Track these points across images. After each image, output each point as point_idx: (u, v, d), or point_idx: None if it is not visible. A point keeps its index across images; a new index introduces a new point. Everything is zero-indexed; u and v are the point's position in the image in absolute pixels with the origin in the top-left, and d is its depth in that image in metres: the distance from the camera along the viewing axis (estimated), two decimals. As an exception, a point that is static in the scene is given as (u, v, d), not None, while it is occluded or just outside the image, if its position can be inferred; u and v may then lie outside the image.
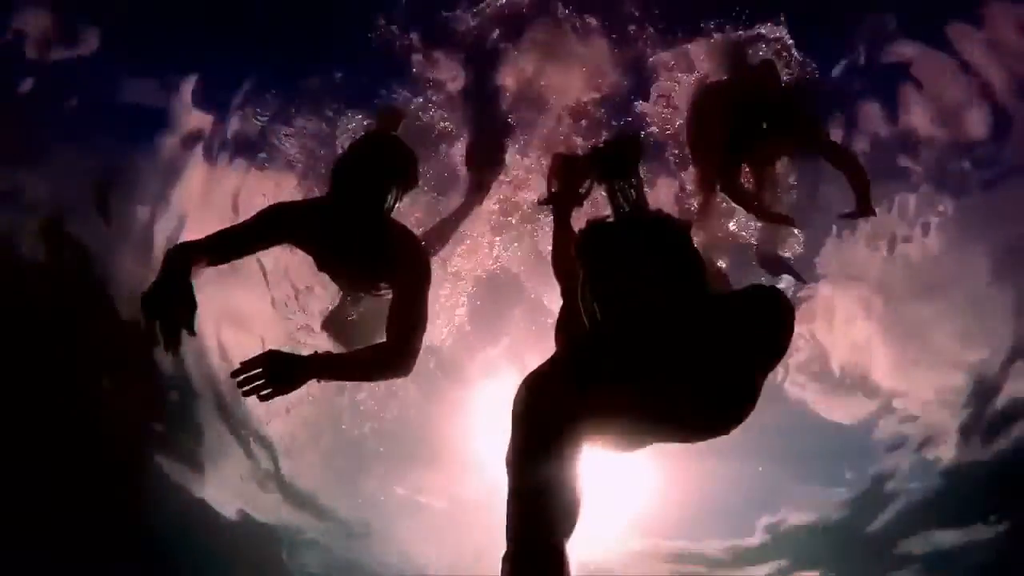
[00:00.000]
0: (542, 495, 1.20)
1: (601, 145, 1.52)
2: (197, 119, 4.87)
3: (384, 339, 2.26)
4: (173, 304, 1.82)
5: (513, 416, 1.31)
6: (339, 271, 2.77)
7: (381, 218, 2.44)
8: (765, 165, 3.83)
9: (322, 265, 2.69)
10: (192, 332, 1.84)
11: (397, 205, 2.51)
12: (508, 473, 1.25)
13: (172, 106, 4.78)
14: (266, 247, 2.49)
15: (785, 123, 3.40)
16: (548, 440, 1.24)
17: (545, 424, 1.26)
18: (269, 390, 1.91)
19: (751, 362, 1.31)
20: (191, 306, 1.85)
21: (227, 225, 2.41)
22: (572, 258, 1.96)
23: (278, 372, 1.93)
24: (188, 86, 4.77)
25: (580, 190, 1.73)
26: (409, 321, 2.28)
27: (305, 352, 2.08)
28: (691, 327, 1.23)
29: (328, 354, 2.20)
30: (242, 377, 1.89)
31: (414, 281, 2.36)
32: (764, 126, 3.35)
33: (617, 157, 1.48)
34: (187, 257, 2.04)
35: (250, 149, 4.91)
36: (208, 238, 2.26)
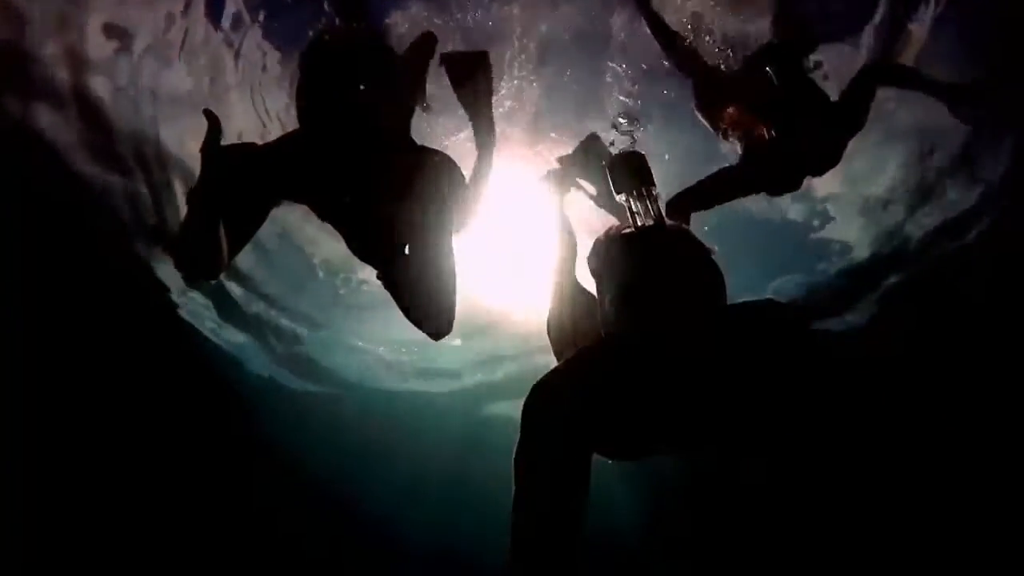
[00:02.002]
0: (547, 504, 1.22)
1: (617, 154, 1.48)
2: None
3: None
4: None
5: (523, 424, 1.32)
6: (342, 221, 2.16)
7: (369, 141, 1.88)
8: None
9: (323, 215, 2.12)
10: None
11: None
12: (515, 477, 1.27)
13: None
14: (258, 223, 1.94)
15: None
16: (557, 454, 1.26)
17: (555, 439, 1.27)
18: None
19: (768, 388, 1.34)
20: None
21: None
22: (570, 264, 1.97)
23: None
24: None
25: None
26: (428, 285, 1.88)
27: None
28: (714, 343, 1.26)
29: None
30: None
31: (425, 222, 1.92)
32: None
33: (636, 165, 1.45)
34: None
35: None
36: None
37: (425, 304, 1.90)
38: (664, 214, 1.40)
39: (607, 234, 1.45)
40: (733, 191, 2.96)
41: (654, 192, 1.43)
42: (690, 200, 2.80)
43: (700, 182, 2.86)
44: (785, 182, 2.99)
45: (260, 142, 1.96)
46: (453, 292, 1.93)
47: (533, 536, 1.20)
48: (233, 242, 1.85)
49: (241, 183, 1.80)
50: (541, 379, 1.39)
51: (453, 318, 1.94)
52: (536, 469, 1.26)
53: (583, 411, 1.31)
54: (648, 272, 1.25)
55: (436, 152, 2.07)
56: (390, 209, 1.95)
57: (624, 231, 1.39)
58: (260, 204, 1.94)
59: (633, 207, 1.42)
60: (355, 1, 2.50)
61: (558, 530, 1.20)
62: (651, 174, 1.45)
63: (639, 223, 1.39)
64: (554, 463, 1.26)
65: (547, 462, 1.25)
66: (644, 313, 1.24)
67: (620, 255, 1.31)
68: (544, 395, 1.34)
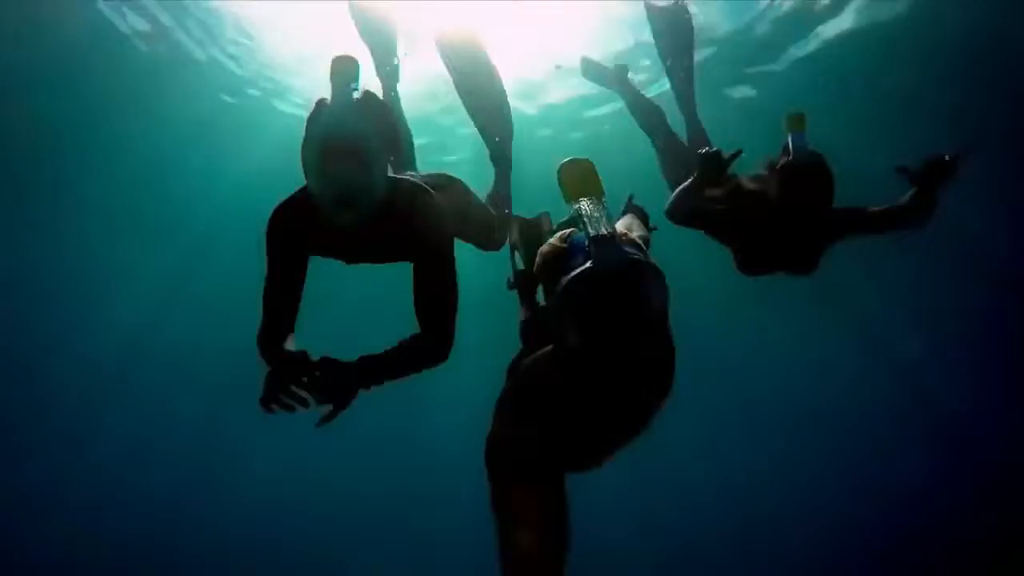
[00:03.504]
0: (531, 543, 1.24)
1: (564, 161, 1.49)
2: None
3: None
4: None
5: (490, 478, 1.35)
6: (367, 260, 2.36)
7: (381, 190, 2.04)
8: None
9: (350, 260, 2.32)
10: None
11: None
12: (496, 523, 1.29)
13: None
14: (303, 273, 2.22)
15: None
16: (524, 498, 1.29)
17: (523, 487, 1.30)
18: (316, 397, 1.89)
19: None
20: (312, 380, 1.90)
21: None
22: (538, 324, 2.09)
23: (329, 384, 1.89)
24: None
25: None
26: (435, 302, 2.10)
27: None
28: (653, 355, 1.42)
29: (372, 358, 2.02)
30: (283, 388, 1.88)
31: (430, 250, 2.11)
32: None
33: (582, 172, 1.44)
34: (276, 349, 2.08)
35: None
36: (267, 320, 2.15)
37: (434, 330, 2.09)
38: (613, 223, 1.40)
39: (554, 246, 1.50)
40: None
41: (602, 201, 1.42)
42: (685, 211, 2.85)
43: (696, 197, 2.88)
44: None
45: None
46: (453, 317, 2.12)
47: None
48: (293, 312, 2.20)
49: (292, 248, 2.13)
50: (492, 433, 1.43)
51: (452, 340, 2.13)
52: (512, 515, 1.28)
53: (541, 451, 1.35)
54: (595, 315, 1.32)
55: (411, 187, 2.20)
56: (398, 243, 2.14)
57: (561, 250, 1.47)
58: (298, 266, 2.19)
59: (583, 214, 1.40)
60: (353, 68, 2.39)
61: (547, 565, 1.22)
62: (597, 181, 1.45)
63: (590, 231, 1.37)
64: (528, 505, 1.28)
65: (521, 506, 1.28)
66: (590, 343, 1.33)
67: (569, 294, 1.34)
68: (501, 448, 1.37)
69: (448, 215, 2.23)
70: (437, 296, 2.10)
